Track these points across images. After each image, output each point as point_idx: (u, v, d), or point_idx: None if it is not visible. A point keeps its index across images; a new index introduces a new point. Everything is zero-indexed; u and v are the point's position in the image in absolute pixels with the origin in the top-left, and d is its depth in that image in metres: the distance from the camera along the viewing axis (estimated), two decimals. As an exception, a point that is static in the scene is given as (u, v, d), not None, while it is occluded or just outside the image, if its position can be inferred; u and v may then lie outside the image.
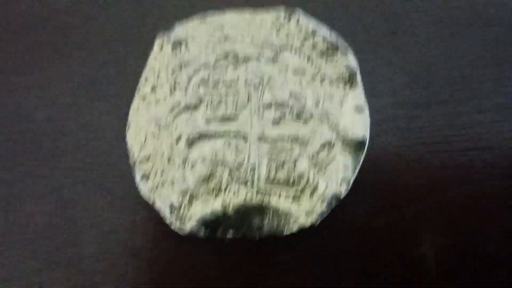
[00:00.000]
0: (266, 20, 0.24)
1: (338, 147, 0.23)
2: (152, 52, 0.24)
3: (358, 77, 0.24)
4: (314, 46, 0.24)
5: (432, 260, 0.24)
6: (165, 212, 0.23)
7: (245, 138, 0.23)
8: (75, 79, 0.27)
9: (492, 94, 0.26)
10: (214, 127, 0.23)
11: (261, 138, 0.23)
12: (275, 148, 0.23)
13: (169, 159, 0.23)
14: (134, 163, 0.23)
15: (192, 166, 0.23)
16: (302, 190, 0.23)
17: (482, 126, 0.26)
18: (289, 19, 0.24)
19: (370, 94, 0.25)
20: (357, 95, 0.23)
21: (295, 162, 0.23)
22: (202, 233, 0.23)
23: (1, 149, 0.26)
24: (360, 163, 0.23)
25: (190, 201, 0.23)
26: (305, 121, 0.23)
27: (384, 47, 0.27)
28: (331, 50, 0.24)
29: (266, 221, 0.23)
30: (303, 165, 0.23)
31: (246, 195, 0.23)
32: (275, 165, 0.23)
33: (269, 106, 0.23)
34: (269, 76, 0.24)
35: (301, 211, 0.23)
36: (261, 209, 0.23)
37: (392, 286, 0.24)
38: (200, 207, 0.23)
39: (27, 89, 0.27)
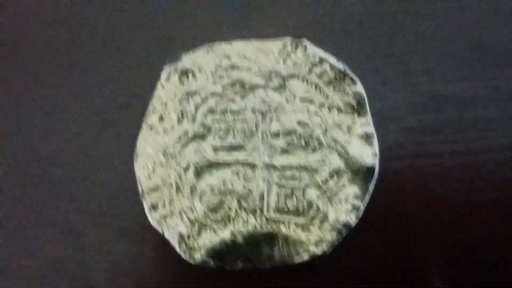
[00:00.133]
0: (273, 49, 0.24)
1: (347, 175, 0.23)
2: (159, 81, 0.24)
3: (366, 105, 0.24)
4: (321, 74, 0.24)
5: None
6: (174, 242, 0.23)
7: (253, 166, 0.23)
8: (83, 108, 0.27)
9: (502, 120, 0.26)
10: (222, 156, 0.23)
11: (270, 167, 0.23)
12: (284, 177, 0.23)
13: (177, 189, 0.23)
14: (143, 193, 0.23)
15: (201, 196, 0.23)
16: (312, 219, 0.23)
17: (494, 152, 0.25)
18: (296, 48, 0.24)
19: (378, 121, 0.25)
20: (365, 123, 0.23)
21: (304, 190, 0.23)
22: (211, 263, 0.23)
23: (8, 179, 0.26)
24: (370, 191, 0.23)
25: (199, 231, 0.23)
26: (314, 149, 0.23)
27: (392, 75, 0.27)
28: (338, 78, 0.24)
29: (276, 250, 0.23)
30: (312, 193, 0.23)
31: (256, 224, 0.23)
32: (284, 194, 0.23)
33: (277, 134, 0.23)
34: (276, 104, 0.24)
35: (312, 240, 0.22)
36: (271, 238, 0.23)
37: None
38: (209, 237, 0.23)
39: (35, 118, 0.27)
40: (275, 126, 0.24)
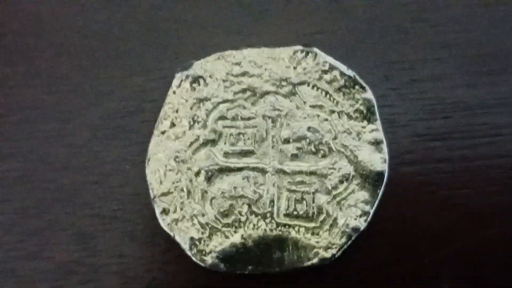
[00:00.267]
0: (283, 56, 0.25)
1: (356, 180, 0.23)
2: (171, 88, 0.25)
3: (376, 111, 0.24)
4: (331, 81, 0.24)
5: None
6: (185, 246, 0.23)
7: (264, 171, 0.24)
8: (95, 114, 0.27)
9: (510, 126, 0.26)
10: (233, 161, 0.24)
11: (280, 172, 0.23)
12: (294, 182, 0.23)
13: (188, 194, 0.23)
14: (154, 197, 0.24)
15: (212, 200, 0.23)
16: (322, 223, 0.23)
17: (502, 158, 0.26)
18: (306, 55, 0.25)
19: (388, 127, 0.25)
20: (375, 129, 0.24)
21: (313, 195, 0.23)
22: (222, 267, 0.23)
23: (21, 184, 0.27)
24: (379, 196, 0.23)
25: (210, 235, 0.23)
26: (324, 155, 0.23)
27: (401, 81, 0.27)
28: (348, 85, 0.24)
29: (286, 254, 0.23)
30: (322, 198, 0.23)
31: (266, 228, 0.23)
32: (294, 199, 0.23)
33: (287, 140, 0.24)
34: (287, 111, 0.24)
35: (321, 244, 0.23)
36: (281, 242, 0.23)
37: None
38: (220, 241, 0.23)
39: (47, 124, 0.27)
40: (285, 132, 0.24)
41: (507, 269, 0.25)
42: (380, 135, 0.24)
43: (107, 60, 0.28)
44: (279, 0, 0.29)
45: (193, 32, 0.28)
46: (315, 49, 0.25)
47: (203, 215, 0.23)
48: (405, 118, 0.26)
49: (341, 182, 0.23)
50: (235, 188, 0.23)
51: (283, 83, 0.24)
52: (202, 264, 0.23)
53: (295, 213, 0.23)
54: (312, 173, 0.23)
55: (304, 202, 0.23)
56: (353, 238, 0.23)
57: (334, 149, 0.24)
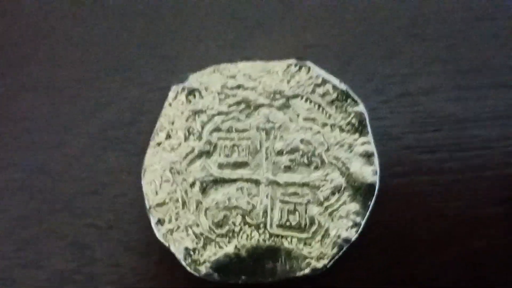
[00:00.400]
0: (277, 69, 0.25)
1: (348, 192, 0.24)
2: (167, 100, 0.25)
3: (367, 124, 0.24)
4: (324, 95, 0.25)
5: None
6: (179, 256, 0.23)
7: (257, 183, 0.24)
8: (92, 125, 0.28)
9: (498, 139, 0.26)
10: (227, 172, 0.24)
11: (273, 183, 0.24)
12: (287, 193, 0.24)
13: (183, 204, 0.24)
14: (149, 208, 0.24)
15: (206, 211, 0.24)
16: (314, 234, 0.23)
17: (491, 170, 0.26)
18: (300, 69, 0.25)
19: (379, 139, 0.25)
20: (366, 141, 0.24)
21: (306, 207, 0.23)
22: (216, 276, 0.23)
23: (18, 193, 0.27)
24: (370, 208, 0.23)
25: (204, 245, 0.23)
26: (316, 167, 0.24)
27: (392, 95, 0.27)
28: (341, 98, 0.25)
29: (278, 264, 0.23)
30: (314, 209, 0.23)
31: (259, 238, 0.23)
32: (287, 210, 0.24)
33: (280, 152, 0.24)
34: (280, 123, 0.24)
35: (313, 254, 0.23)
36: (273, 252, 0.23)
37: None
38: (214, 251, 0.23)
39: (45, 134, 0.28)
40: (279, 144, 0.24)
41: (496, 279, 0.25)
42: (371, 147, 0.24)
43: (104, 72, 0.29)
44: (273, 14, 0.29)
45: (189, 45, 0.29)
46: (309, 63, 0.25)
47: (197, 225, 0.24)
48: (397, 130, 0.27)
49: (333, 193, 0.24)
50: (229, 199, 0.24)
51: (277, 96, 0.25)
52: (196, 274, 0.23)
53: (287, 224, 0.23)
54: (304, 184, 0.24)
55: (297, 213, 0.23)
56: (344, 248, 0.23)
57: (326, 161, 0.24)
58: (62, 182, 0.27)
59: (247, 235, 0.23)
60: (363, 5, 0.29)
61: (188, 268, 0.23)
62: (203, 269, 0.23)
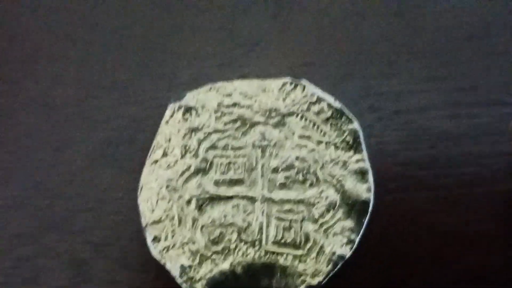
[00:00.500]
0: (273, 87, 0.25)
1: (342, 209, 0.24)
2: (164, 118, 0.25)
3: (362, 142, 0.25)
4: (319, 112, 0.25)
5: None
6: (175, 273, 0.23)
7: (253, 200, 0.24)
8: (89, 143, 0.28)
9: (491, 155, 0.27)
10: (223, 190, 0.24)
11: (269, 201, 0.24)
12: (282, 210, 0.24)
13: (179, 222, 0.24)
14: (146, 225, 0.24)
15: (202, 228, 0.24)
16: (309, 251, 0.23)
17: (484, 186, 0.26)
18: (295, 87, 0.25)
19: (374, 156, 0.25)
20: (361, 159, 0.24)
21: (301, 223, 0.24)
22: (211, 294, 0.23)
23: (16, 210, 0.27)
24: (365, 225, 0.24)
25: (200, 262, 0.23)
26: (311, 184, 0.24)
27: (387, 112, 0.28)
28: (335, 116, 0.25)
29: (274, 281, 0.23)
30: (309, 226, 0.24)
31: (255, 255, 0.23)
32: (282, 227, 0.24)
33: (276, 169, 0.24)
34: (276, 140, 0.25)
35: (308, 271, 0.23)
36: (269, 269, 0.23)
37: None
38: (209, 268, 0.23)
39: (43, 152, 0.28)
40: (274, 162, 0.24)
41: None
42: (366, 164, 0.24)
43: (102, 90, 0.29)
44: (269, 33, 0.30)
45: (186, 64, 0.29)
46: (304, 81, 0.25)
47: (193, 242, 0.24)
48: (391, 147, 0.27)
49: (328, 210, 0.24)
50: (225, 216, 0.24)
51: (273, 114, 0.25)
52: (192, 291, 0.23)
53: (283, 241, 0.24)
54: (300, 201, 0.24)
55: (292, 230, 0.24)
56: (339, 265, 0.23)
57: (321, 178, 0.24)
58: (59, 199, 0.27)
59: (243, 252, 0.24)
60: (357, 24, 0.30)
61: (184, 285, 0.23)
62: (199, 286, 0.23)
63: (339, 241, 0.23)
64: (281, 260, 0.23)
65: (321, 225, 0.24)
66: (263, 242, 0.24)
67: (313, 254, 0.23)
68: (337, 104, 0.25)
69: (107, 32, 0.30)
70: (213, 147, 0.25)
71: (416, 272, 0.25)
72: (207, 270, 0.23)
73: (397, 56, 0.29)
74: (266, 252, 0.23)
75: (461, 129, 0.27)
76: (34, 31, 0.30)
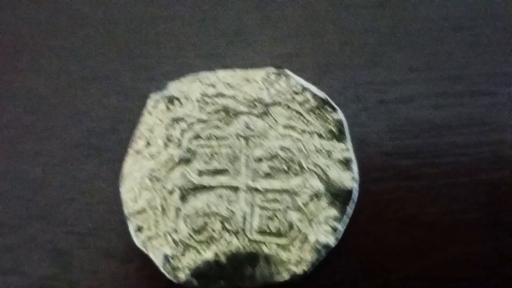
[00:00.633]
0: (256, 77, 0.25)
1: (327, 198, 0.24)
2: (146, 108, 0.25)
3: (346, 131, 0.25)
4: (303, 102, 0.25)
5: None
6: (159, 262, 0.23)
7: (237, 190, 0.24)
8: (71, 133, 0.28)
9: (475, 145, 0.27)
10: (207, 179, 0.24)
11: (253, 190, 0.24)
12: (266, 200, 0.24)
13: (162, 211, 0.24)
14: (128, 215, 0.24)
15: (185, 218, 0.24)
16: (293, 240, 0.23)
17: (467, 176, 0.26)
18: (279, 77, 0.25)
19: (358, 145, 0.26)
20: (345, 148, 0.24)
21: (285, 212, 0.24)
22: (195, 283, 0.23)
23: (-2, 201, 0.27)
24: (349, 213, 0.24)
25: (184, 252, 0.23)
26: (295, 174, 0.24)
27: (371, 102, 0.28)
28: (320, 106, 0.25)
29: (258, 270, 0.23)
30: (293, 215, 0.24)
31: (238, 244, 0.23)
32: (266, 216, 0.24)
33: (260, 159, 0.24)
34: (260, 130, 0.25)
35: (292, 260, 0.23)
36: (253, 258, 0.23)
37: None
38: (193, 257, 0.23)
39: (24, 143, 0.28)
40: (258, 151, 0.24)
41: (472, 286, 0.25)
42: (350, 154, 0.24)
43: (83, 81, 0.29)
44: (252, 24, 0.29)
45: (168, 54, 0.29)
46: (287, 71, 0.25)
47: (176, 232, 0.24)
48: (375, 137, 0.27)
49: (312, 199, 0.24)
50: (208, 205, 0.24)
51: (256, 104, 0.25)
52: (175, 280, 0.23)
53: (267, 230, 0.24)
54: (284, 191, 0.24)
55: (276, 219, 0.24)
56: (323, 254, 0.23)
57: (305, 168, 0.24)
58: (41, 189, 0.27)
59: (227, 241, 0.23)
60: (341, 14, 0.30)
61: (167, 275, 0.23)
62: (183, 276, 0.23)
63: (323, 230, 0.23)
64: (265, 249, 0.23)
65: (305, 214, 0.24)
66: (247, 231, 0.24)
67: (297, 243, 0.23)
68: (321, 94, 0.25)
69: (89, 23, 0.30)
70: (196, 137, 0.25)
71: (400, 261, 0.25)
72: (190, 260, 0.23)
73: (382, 46, 0.29)
74: (250, 241, 0.23)
75: (445, 119, 0.27)
76: (15, 22, 0.30)
